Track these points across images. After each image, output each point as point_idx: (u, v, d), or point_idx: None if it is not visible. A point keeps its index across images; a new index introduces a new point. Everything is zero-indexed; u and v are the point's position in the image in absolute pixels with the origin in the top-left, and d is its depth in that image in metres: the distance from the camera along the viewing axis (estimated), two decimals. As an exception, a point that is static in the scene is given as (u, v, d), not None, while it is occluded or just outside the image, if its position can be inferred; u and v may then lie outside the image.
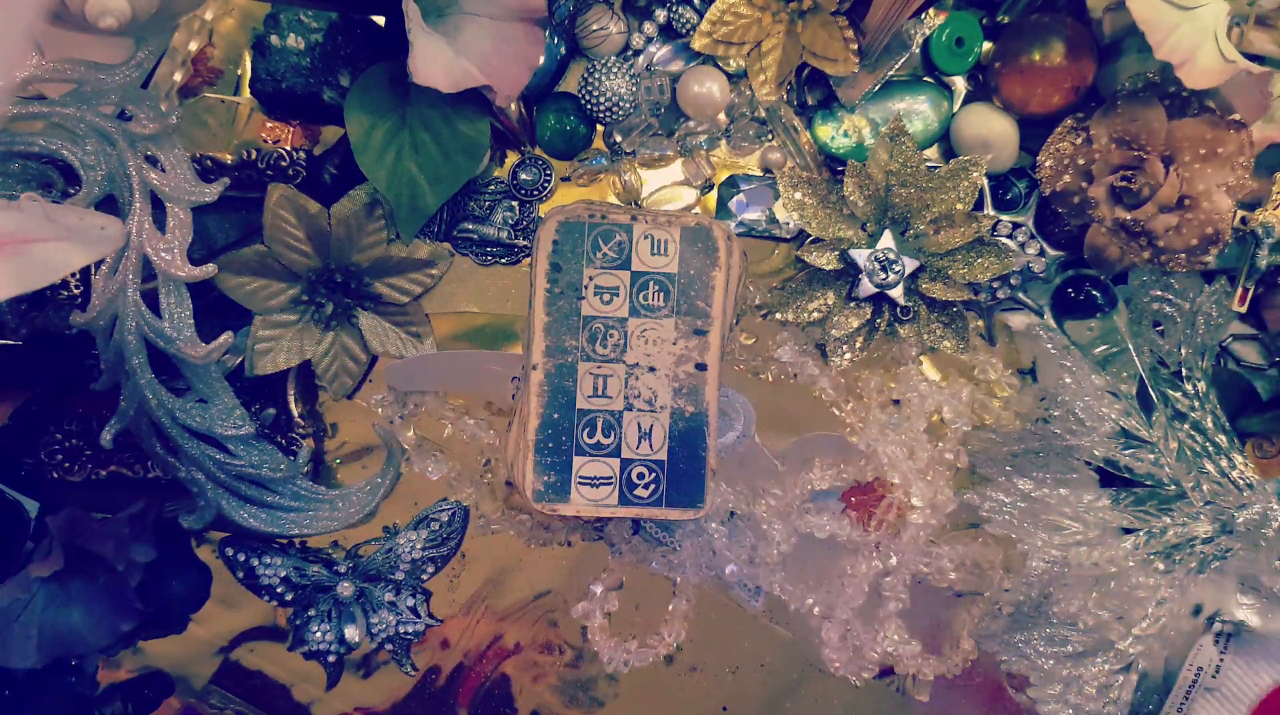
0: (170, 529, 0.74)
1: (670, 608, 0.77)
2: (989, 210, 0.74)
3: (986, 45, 0.73)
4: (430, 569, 0.76)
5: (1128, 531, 0.72)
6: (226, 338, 0.68)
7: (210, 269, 0.67)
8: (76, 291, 0.70)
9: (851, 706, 0.80)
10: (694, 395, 0.69)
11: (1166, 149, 0.69)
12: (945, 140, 0.75)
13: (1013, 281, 0.74)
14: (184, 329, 0.67)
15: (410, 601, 0.76)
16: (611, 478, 0.69)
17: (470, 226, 0.74)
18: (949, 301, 0.72)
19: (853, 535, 0.74)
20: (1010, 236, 0.74)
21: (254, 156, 0.71)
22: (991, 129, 0.72)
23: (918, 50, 0.73)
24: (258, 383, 0.74)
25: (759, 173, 0.75)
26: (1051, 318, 0.75)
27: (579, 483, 0.69)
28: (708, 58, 0.72)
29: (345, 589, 0.75)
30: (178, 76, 0.70)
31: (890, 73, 0.72)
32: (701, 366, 0.69)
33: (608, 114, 0.72)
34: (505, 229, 0.74)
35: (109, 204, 0.67)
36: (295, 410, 0.75)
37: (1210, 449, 0.73)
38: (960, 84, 0.74)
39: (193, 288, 0.67)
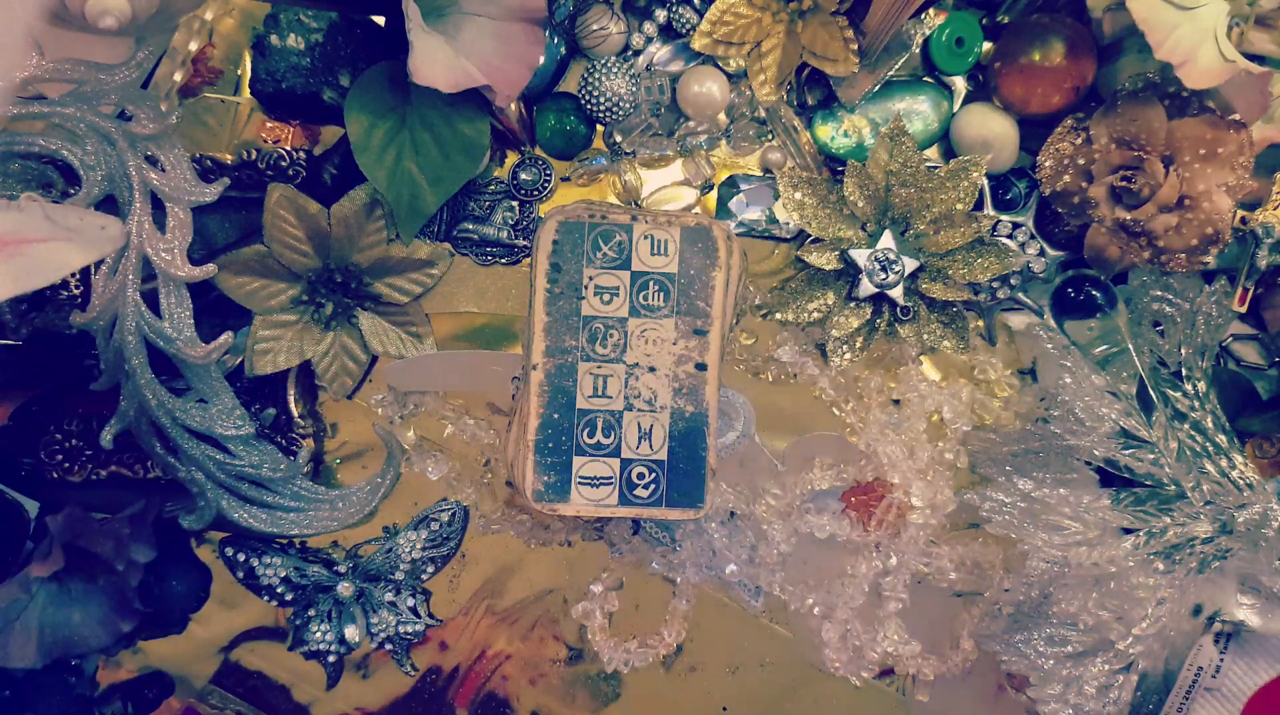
0: (170, 529, 0.74)
1: (670, 607, 0.77)
2: (989, 210, 0.74)
3: (986, 45, 0.73)
4: (430, 569, 0.76)
5: (1128, 531, 0.72)
6: (226, 338, 0.68)
7: (210, 269, 0.67)
8: (76, 291, 0.70)
9: (851, 706, 0.80)
10: (694, 395, 0.69)
11: (1166, 149, 0.69)
12: (945, 140, 0.75)
13: (1013, 281, 0.74)
14: (184, 329, 0.67)
15: (410, 601, 0.76)
16: (611, 478, 0.69)
17: (470, 226, 0.74)
18: (949, 301, 0.73)
19: (853, 535, 0.74)
20: (1010, 236, 0.74)
21: (254, 156, 0.71)
22: (991, 129, 0.72)
23: (918, 50, 0.73)
24: (258, 383, 0.74)
25: (759, 173, 0.75)
26: (1051, 318, 0.75)
27: (579, 483, 0.69)
28: (708, 58, 0.72)
29: (345, 589, 0.75)
30: (178, 76, 0.70)
31: (890, 73, 0.72)
32: (701, 366, 0.69)
33: (608, 114, 0.72)
34: (505, 229, 0.74)
35: (109, 204, 0.67)
36: (295, 410, 0.75)
37: (1210, 449, 0.73)
38: (960, 84, 0.74)
39: (193, 288, 0.67)
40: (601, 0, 0.71)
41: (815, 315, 0.73)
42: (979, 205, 0.74)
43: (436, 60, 0.63)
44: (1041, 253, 0.75)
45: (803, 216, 0.72)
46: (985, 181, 0.74)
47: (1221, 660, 0.76)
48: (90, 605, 0.70)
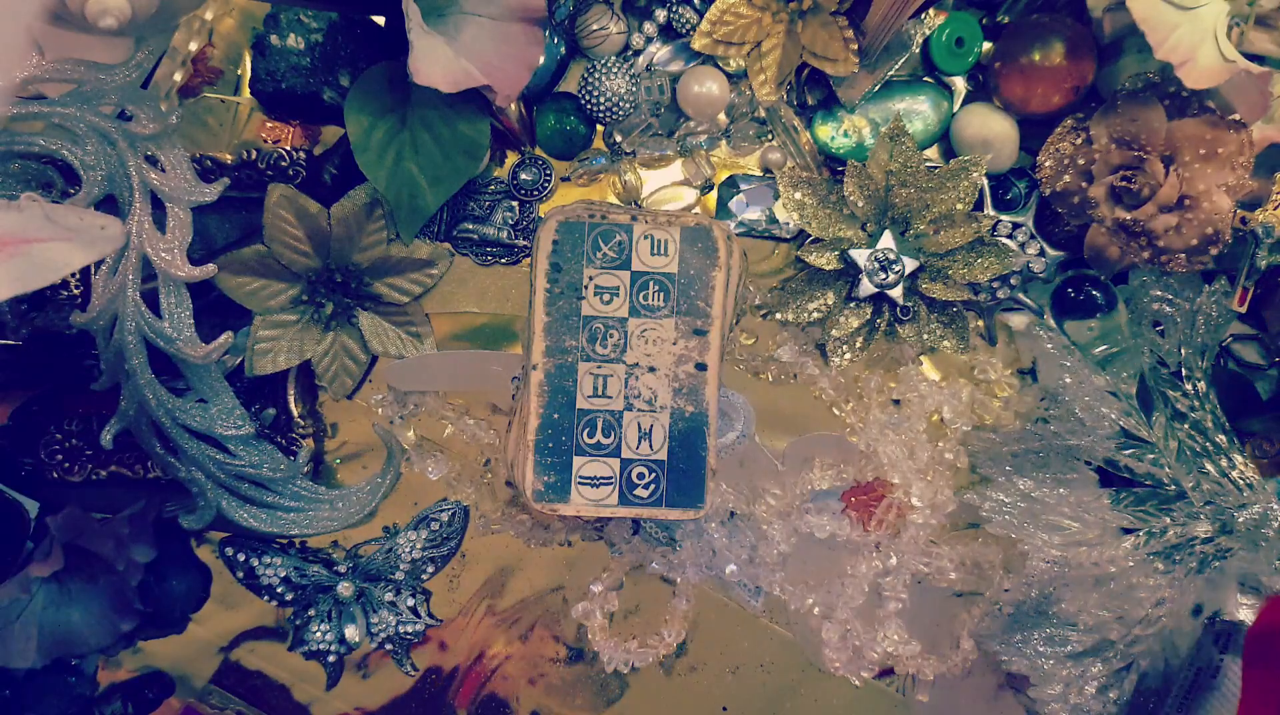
0: (170, 529, 0.74)
1: (670, 607, 0.77)
2: (989, 210, 0.74)
3: (986, 45, 0.73)
4: (430, 569, 0.76)
5: (1128, 531, 0.72)
6: (226, 338, 0.68)
7: (210, 269, 0.67)
8: (76, 291, 0.70)
9: (851, 706, 0.80)
10: (694, 395, 0.69)
11: (1166, 149, 0.69)
12: (945, 140, 0.75)
13: (1013, 281, 0.74)
14: (184, 329, 0.67)
15: (410, 601, 0.76)
16: (611, 478, 0.69)
17: (470, 226, 0.74)
18: (949, 301, 0.73)
19: (853, 535, 0.74)
20: (1010, 236, 0.74)
21: (254, 156, 0.71)
22: (991, 129, 0.72)
23: (918, 50, 0.73)
24: (258, 383, 0.74)
25: (759, 173, 0.75)
26: (1051, 318, 0.75)
27: (579, 483, 0.69)
28: (708, 58, 0.72)
29: (345, 589, 0.75)
30: (178, 76, 0.70)
31: (890, 73, 0.72)
32: (701, 366, 0.69)
33: (608, 114, 0.72)
34: (505, 229, 0.74)
35: (109, 204, 0.67)
36: (295, 410, 0.75)
37: (1210, 449, 0.73)
38: (960, 84, 0.74)
39: (193, 288, 0.67)
40: (601, 0, 0.71)
41: (815, 315, 0.73)
42: (979, 205, 0.74)
43: (436, 60, 0.63)
44: (1041, 253, 0.75)
45: (803, 216, 0.72)
46: (985, 181, 0.74)
47: (1221, 660, 0.76)
48: (90, 605, 0.70)
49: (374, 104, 0.67)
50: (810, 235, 0.72)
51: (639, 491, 0.69)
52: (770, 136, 0.74)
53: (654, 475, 0.69)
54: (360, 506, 0.75)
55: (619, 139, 0.74)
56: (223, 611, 0.77)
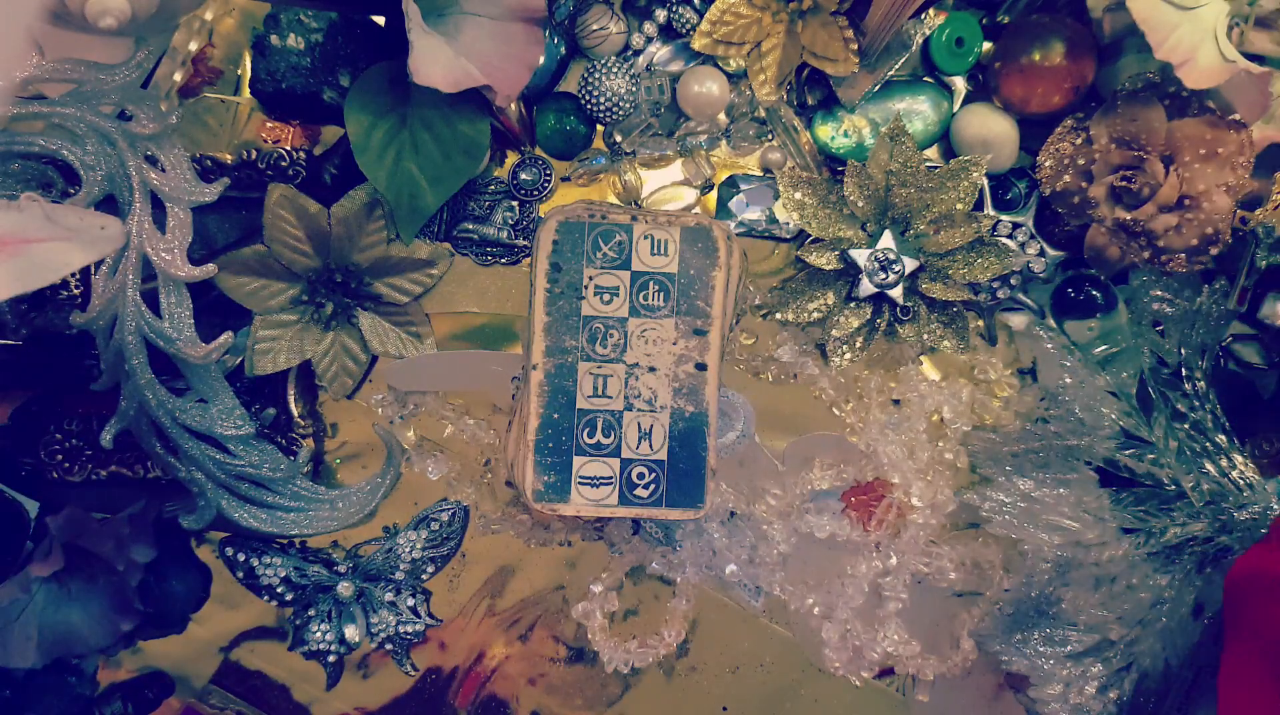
0: (170, 529, 0.74)
1: (670, 607, 0.77)
2: (989, 210, 0.74)
3: (986, 45, 0.73)
4: (430, 569, 0.76)
5: (1128, 531, 0.72)
6: (226, 338, 0.68)
7: (210, 269, 0.67)
8: (76, 291, 0.70)
9: (851, 706, 0.80)
10: (694, 395, 0.69)
11: (1166, 149, 0.69)
12: (945, 140, 0.75)
13: (1013, 281, 0.74)
14: (184, 329, 0.67)
15: (410, 601, 0.76)
16: (611, 478, 0.69)
17: (470, 226, 0.74)
18: (949, 301, 0.73)
19: (853, 535, 0.74)
20: (1010, 236, 0.74)
21: (254, 156, 0.71)
22: (991, 129, 0.72)
23: (918, 50, 0.73)
24: (258, 383, 0.74)
25: (759, 173, 0.75)
26: (1051, 318, 0.75)
27: (579, 483, 0.69)
28: (708, 58, 0.72)
29: (345, 589, 0.75)
30: (178, 76, 0.70)
31: (890, 73, 0.72)
32: (701, 366, 0.69)
33: (608, 114, 0.72)
34: (505, 229, 0.74)
35: (109, 204, 0.67)
36: (295, 410, 0.75)
37: (1210, 449, 0.73)
38: (960, 84, 0.74)
39: (193, 288, 0.67)
40: (601, 0, 0.71)
41: (815, 315, 0.73)
42: (979, 205, 0.74)
43: (436, 60, 0.63)
44: (1041, 253, 0.75)
45: (803, 216, 0.72)
46: (985, 181, 0.74)
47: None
48: (90, 605, 0.70)
49: (374, 104, 0.67)
50: (810, 235, 0.72)
51: (639, 491, 0.69)
52: (770, 136, 0.74)
53: (654, 475, 0.69)
54: (360, 506, 0.75)
55: (619, 139, 0.74)
56: (223, 611, 0.77)
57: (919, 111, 0.73)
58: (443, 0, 0.66)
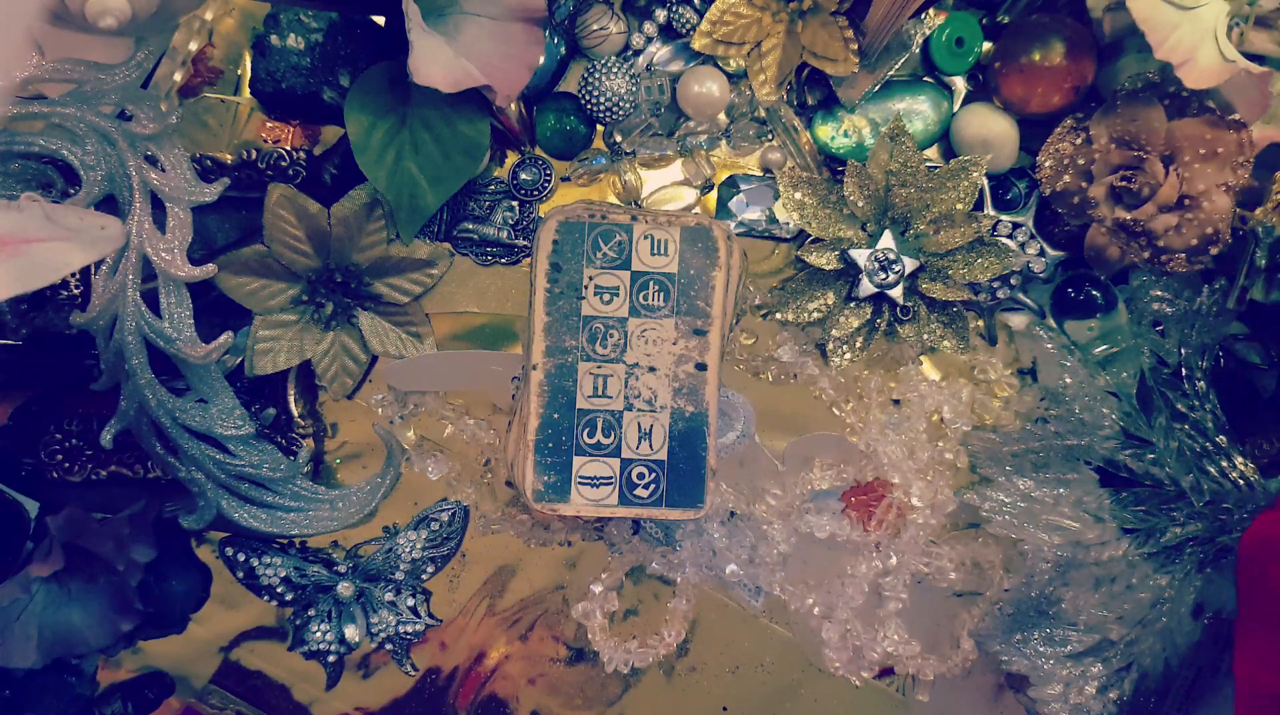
0: (170, 529, 0.74)
1: (670, 607, 0.77)
2: (989, 210, 0.74)
3: (986, 45, 0.73)
4: (430, 569, 0.76)
5: (1128, 531, 0.72)
6: (226, 338, 0.68)
7: (210, 269, 0.67)
8: (76, 291, 0.70)
9: (851, 706, 0.80)
10: (694, 395, 0.69)
11: (1166, 149, 0.69)
12: (945, 140, 0.75)
13: (1013, 281, 0.74)
14: (184, 329, 0.67)
15: (410, 601, 0.76)
16: (611, 478, 0.69)
17: (470, 226, 0.74)
18: (949, 301, 0.73)
19: (853, 535, 0.74)
20: (1010, 236, 0.74)
21: (254, 156, 0.71)
22: (991, 129, 0.72)
23: (918, 50, 0.73)
24: (258, 383, 0.74)
25: (759, 173, 0.75)
26: (1051, 318, 0.75)
27: (579, 483, 0.69)
28: (708, 58, 0.72)
29: (345, 589, 0.75)
30: (178, 76, 0.70)
31: (890, 73, 0.72)
32: (701, 366, 0.69)
33: (608, 114, 0.72)
34: (505, 229, 0.74)
35: (109, 204, 0.67)
36: (295, 410, 0.75)
37: (1210, 449, 0.73)
38: (960, 84, 0.74)
39: (193, 288, 0.67)
40: (601, 0, 0.71)
41: (815, 315, 0.73)
42: (979, 205, 0.74)
43: (436, 60, 0.63)
44: (1041, 253, 0.75)
45: (803, 216, 0.72)
46: (985, 181, 0.74)
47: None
48: (90, 605, 0.70)
49: (374, 104, 0.67)
50: (810, 235, 0.72)
51: (639, 491, 0.69)
52: (770, 136, 0.74)
53: (654, 475, 0.69)
54: (360, 506, 0.75)
55: (619, 139, 0.74)
56: (223, 611, 0.77)
57: (919, 111, 0.73)
58: (443, 0, 0.66)
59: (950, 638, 0.77)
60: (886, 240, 0.71)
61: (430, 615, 0.77)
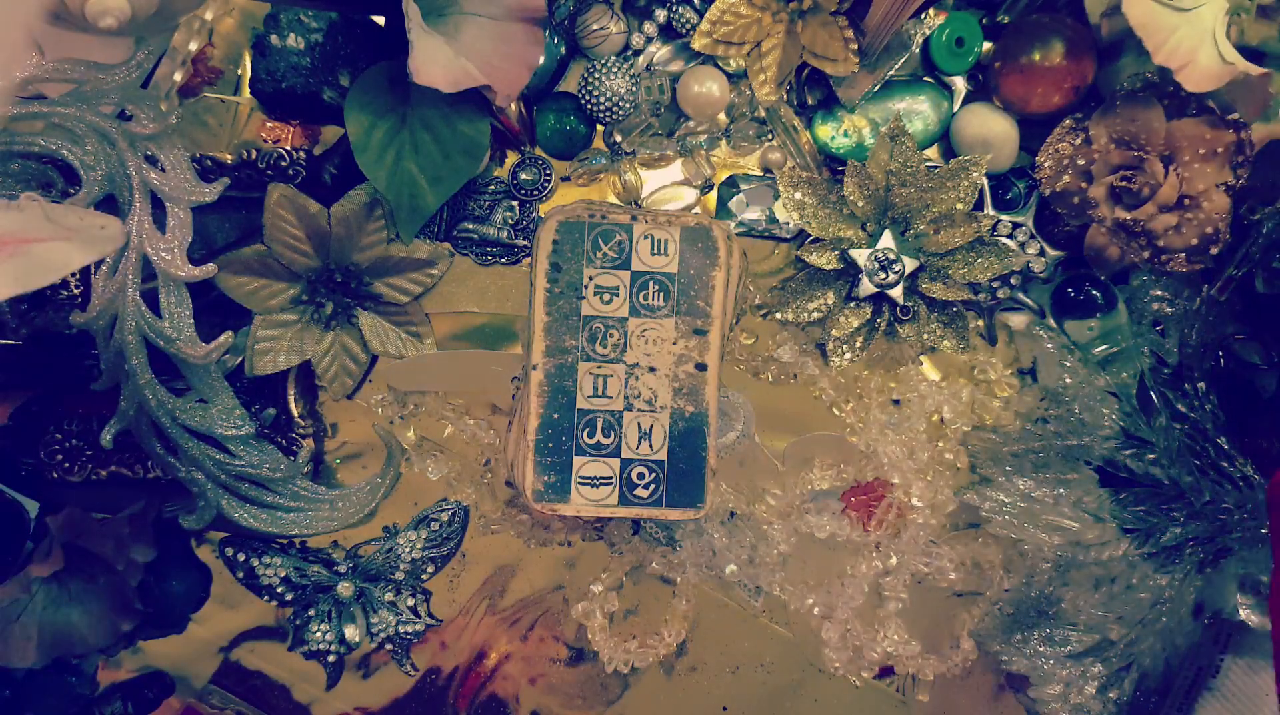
0: (170, 529, 0.74)
1: (670, 607, 0.77)
2: (989, 210, 0.74)
3: (986, 45, 0.73)
4: (430, 569, 0.76)
5: (1128, 531, 0.72)
6: (226, 338, 0.68)
7: (210, 269, 0.67)
8: (76, 291, 0.70)
9: (851, 706, 0.80)
10: (694, 395, 0.69)
11: (1166, 149, 0.69)
12: (945, 140, 0.75)
13: (1013, 281, 0.74)
14: (184, 329, 0.67)
15: (410, 601, 0.76)
16: (611, 478, 0.69)
17: (470, 226, 0.74)
18: (949, 301, 0.73)
19: (853, 535, 0.74)
20: (1010, 236, 0.74)
21: (254, 156, 0.71)
22: (991, 129, 0.72)
23: (918, 50, 0.73)
24: (258, 383, 0.74)
25: (759, 173, 0.75)
26: (1051, 318, 0.75)
27: (579, 483, 0.69)
28: (708, 58, 0.72)
29: (345, 589, 0.75)
30: (178, 76, 0.70)
31: (890, 73, 0.72)
32: (701, 366, 0.69)
33: (608, 114, 0.72)
34: (505, 229, 0.74)
35: (109, 204, 0.67)
36: (295, 410, 0.75)
37: (1210, 449, 0.73)
38: (960, 84, 0.74)
39: (193, 288, 0.67)
40: (601, 0, 0.71)
41: (815, 315, 0.73)
42: (979, 205, 0.74)
43: (436, 60, 0.63)
44: (1041, 253, 0.75)
45: (803, 216, 0.72)
46: (985, 181, 0.74)
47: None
48: (90, 605, 0.70)
49: (374, 104, 0.67)
50: (810, 235, 0.72)
51: (639, 491, 0.69)
52: (770, 136, 0.74)
53: (654, 475, 0.69)
54: (360, 506, 0.75)
55: (619, 139, 0.74)
56: (223, 611, 0.77)
57: (919, 111, 0.73)
58: (443, 0, 0.66)
59: (950, 638, 0.77)
60: (886, 240, 0.71)
61: (430, 615, 0.77)
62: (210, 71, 0.72)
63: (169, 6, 0.61)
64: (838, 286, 0.73)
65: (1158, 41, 0.64)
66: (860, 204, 0.71)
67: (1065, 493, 0.73)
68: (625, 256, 0.69)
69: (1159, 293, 0.74)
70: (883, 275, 0.71)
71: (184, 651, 0.78)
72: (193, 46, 0.71)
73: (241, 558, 0.75)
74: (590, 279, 0.68)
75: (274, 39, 0.69)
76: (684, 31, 0.72)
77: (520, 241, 0.74)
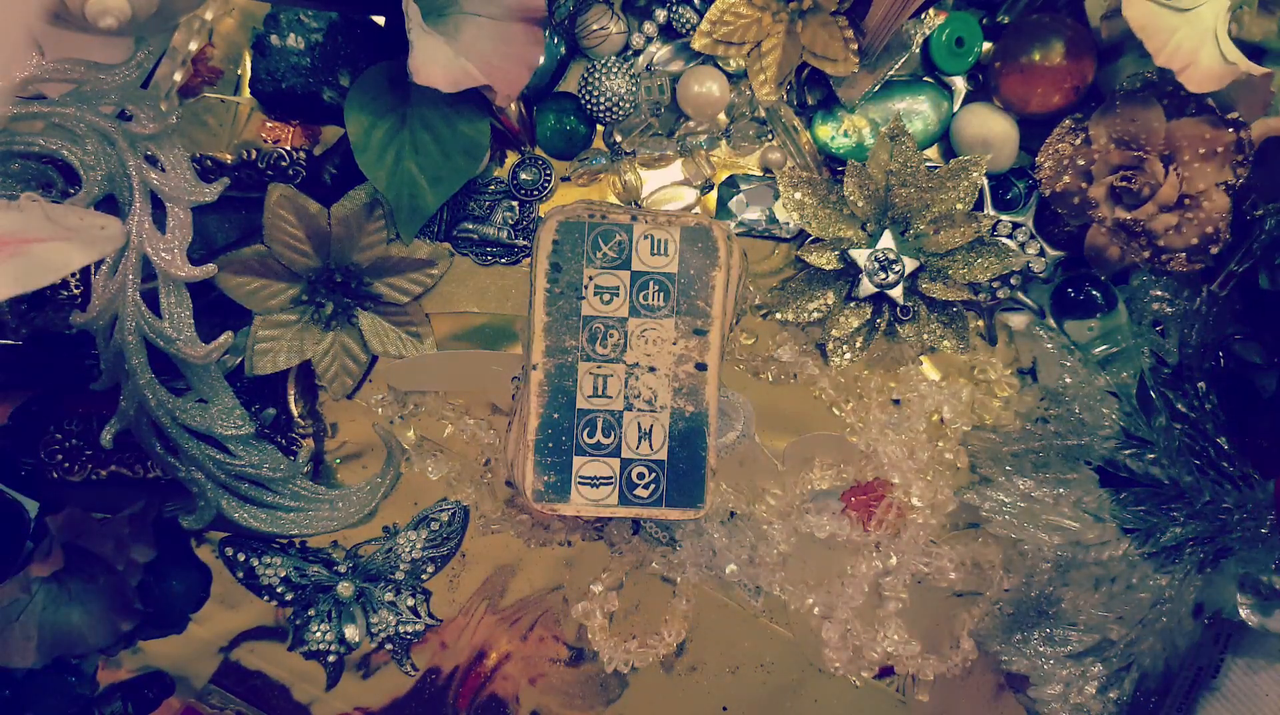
0: (170, 529, 0.74)
1: (670, 607, 0.77)
2: (989, 210, 0.74)
3: (986, 45, 0.73)
4: (430, 569, 0.76)
5: (1128, 531, 0.72)
6: (226, 338, 0.68)
7: (210, 269, 0.67)
8: (76, 291, 0.70)
9: (851, 706, 0.80)
10: (694, 395, 0.69)
11: (1166, 148, 0.69)
12: (945, 140, 0.75)
13: (1013, 281, 0.74)
14: (184, 329, 0.67)
15: (410, 601, 0.76)
16: (611, 478, 0.69)
17: (470, 226, 0.74)
18: (949, 301, 0.73)
19: (853, 535, 0.74)
20: (1010, 236, 0.74)
21: (254, 156, 0.71)
22: (991, 129, 0.72)
23: (918, 50, 0.73)
24: (258, 383, 0.74)
25: (759, 173, 0.75)
26: (1051, 318, 0.75)
27: (579, 483, 0.69)
28: (708, 58, 0.72)
29: (345, 589, 0.75)
30: (178, 76, 0.70)
31: (890, 73, 0.72)
32: (701, 366, 0.69)
33: (608, 114, 0.72)
34: (505, 229, 0.74)
35: (109, 204, 0.67)
36: (295, 410, 0.75)
37: (1210, 449, 0.73)
38: (960, 84, 0.74)
39: (193, 288, 0.67)
40: (601, 0, 0.71)
41: (815, 315, 0.73)
42: (979, 205, 0.74)
43: (436, 60, 0.63)
44: (1041, 253, 0.75)
45: (803, 216, 0.72)
46: (985, 181, 0.74)
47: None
48: (90, 605, 0.70)
49: (374, 104, 0.67)
50: (810, 235, 0.72)
51: (639, 491, 0.69)
52: (770, 136, 0.74)
53: (654, 475, 0.69)
54: (360, 506, 0.75)
55: (619, 139, 0.74)
56: (223, 611, 0.77)
57: (919, 111, 0.73)
58: (443, 0, 0.66)
59: (950, 638, 0.77)
60: (886, 240, 0.71)
61: (430, 615, 0.77)
62: (210, 71, 0.72)
63: (169, 6, 0.61)
64: (838, 286, 0.73)
65: (1159, 43, 0.64)
66: (860, 204, 0.71)
67: (1065, 493, 0.73)
68: (625, 256, 0.69)
69: (1159, 293, 0.73)
70: (883, 275, 0.71)
71: (184, 651, 0.78)
72: (193, 46, 0.71)
73: (241, 558, 0.75)
74: (590, 279, 0.68)
75: (274, 39, 0.69)
76: (684, 31, 0.72)
77: (520, 241, 0.74)
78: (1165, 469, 0.72)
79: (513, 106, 0.71)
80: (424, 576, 0.76)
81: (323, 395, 0.76)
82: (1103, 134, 0.70)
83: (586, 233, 0.68)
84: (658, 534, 0.75)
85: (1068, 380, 0.73)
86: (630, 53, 0.72)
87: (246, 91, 0.73)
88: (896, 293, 0.71)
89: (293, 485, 0.74)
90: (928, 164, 0.72)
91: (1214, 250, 0.70)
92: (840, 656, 0.75)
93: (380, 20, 0.70)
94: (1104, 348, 0.75)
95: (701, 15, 0.70)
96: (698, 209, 0.75)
